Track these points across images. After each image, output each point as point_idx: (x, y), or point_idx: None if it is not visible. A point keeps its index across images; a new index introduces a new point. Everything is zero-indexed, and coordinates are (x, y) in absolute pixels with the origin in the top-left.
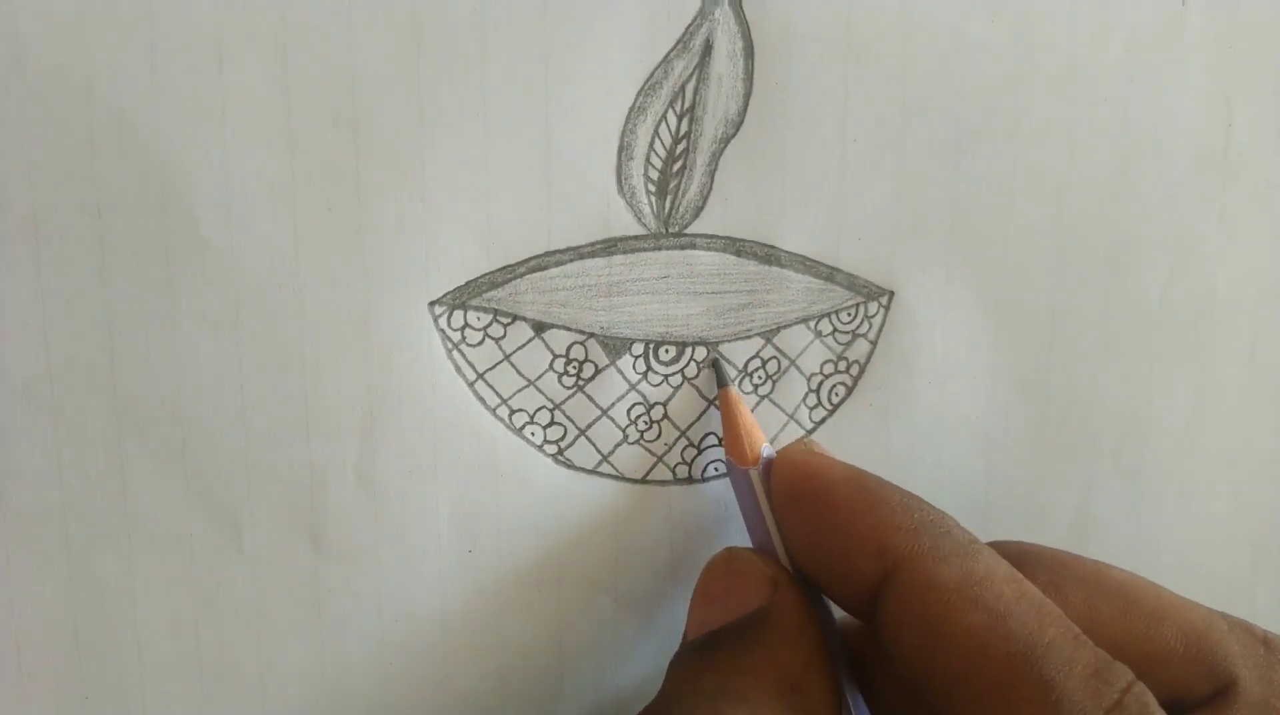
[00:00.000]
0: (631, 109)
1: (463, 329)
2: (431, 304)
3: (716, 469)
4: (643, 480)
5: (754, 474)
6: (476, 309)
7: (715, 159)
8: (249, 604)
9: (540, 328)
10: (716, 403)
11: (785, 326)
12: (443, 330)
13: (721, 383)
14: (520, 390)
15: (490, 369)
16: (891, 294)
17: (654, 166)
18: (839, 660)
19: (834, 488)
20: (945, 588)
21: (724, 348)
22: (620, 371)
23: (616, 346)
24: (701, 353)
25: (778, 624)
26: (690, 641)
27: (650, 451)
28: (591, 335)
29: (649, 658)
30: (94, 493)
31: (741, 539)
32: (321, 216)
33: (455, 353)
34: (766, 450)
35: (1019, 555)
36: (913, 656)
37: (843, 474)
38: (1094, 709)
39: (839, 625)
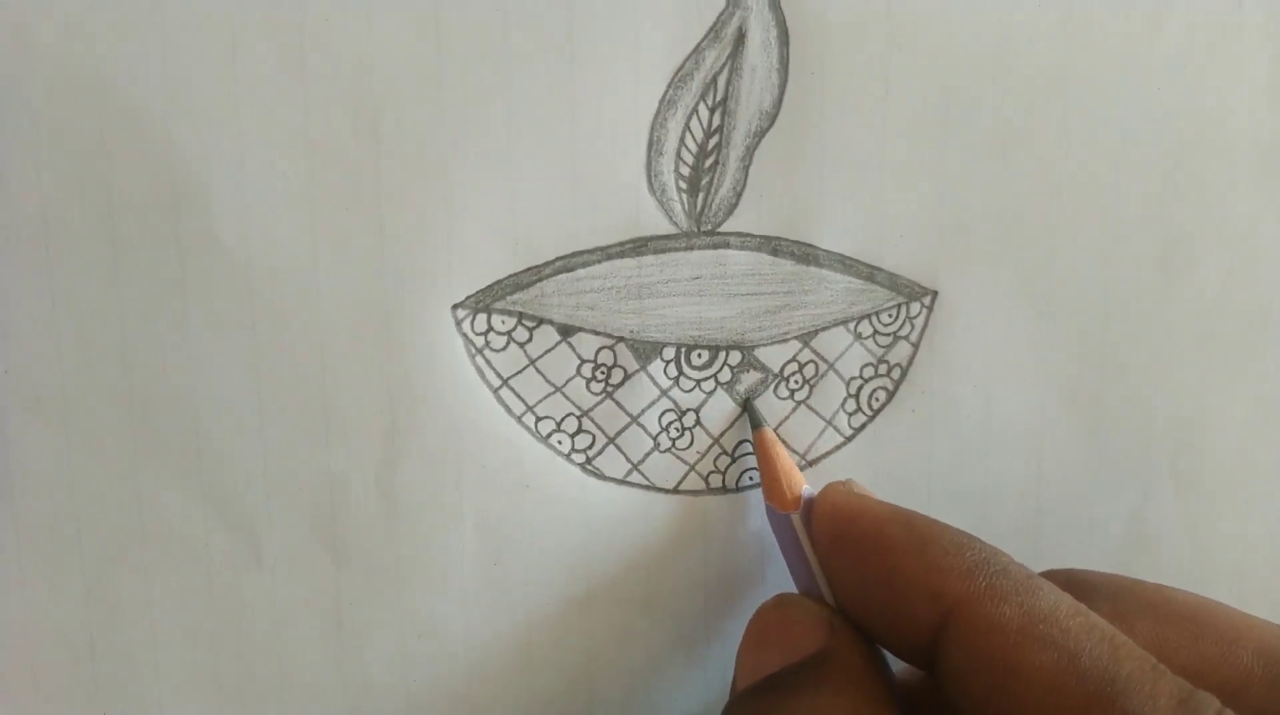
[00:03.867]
0: (661, 102)
1: (487, 333)
2: (454, 307)
3: (751, 478)
4: (674, 490)
5: (795, 518)
6: (501, 312)
7: (749, 154)
8: (267, 617)
9: (567, 331)
10: (752, 442)
11: (823, 329)
12: (466, 334)
13: (756, 425)
14: (547, 396)
15: (515, 374)
16: (935, 294)
17: (685, 162)
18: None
19: (881, 530)
20: (1009, 629)
21: (759, 352)
22: (650, 377)
23: (647, 351)
24: (736, 357)
25: (841, 666)
26: (746, 688)
27: (682, 460)
28: (621, 339)
29: (682, 675)
30: (108, 503)
31: (778, 559)
32: (340, 217)
33: (479, 358)
34: (807, 492)
35: (1077, 585)
36: (980, 703)
37: (889, 515)
38: None
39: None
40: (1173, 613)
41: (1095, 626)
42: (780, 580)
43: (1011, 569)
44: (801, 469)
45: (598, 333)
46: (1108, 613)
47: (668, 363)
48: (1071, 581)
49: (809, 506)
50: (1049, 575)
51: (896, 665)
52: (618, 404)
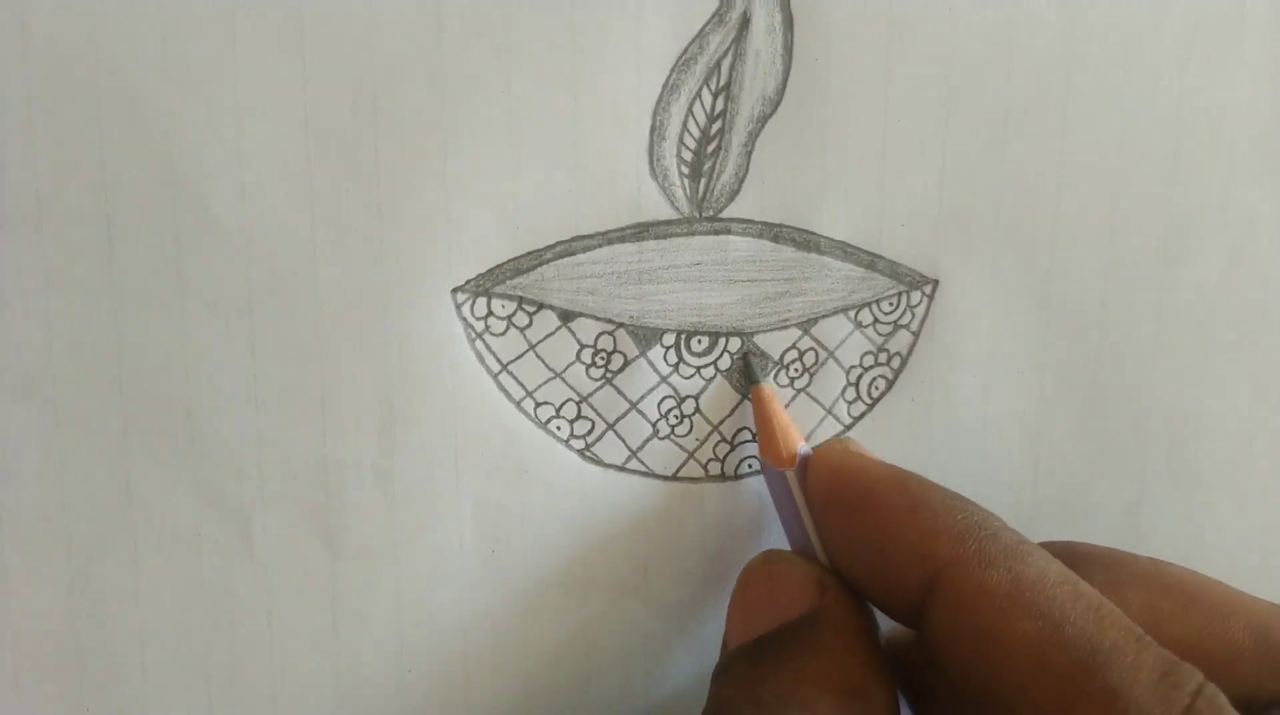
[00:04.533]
0: (664, 87)
1: (486, 317)
2: (454, 291)
3: (750, 466)
4: (673, 477)
5: (790, 475)
6: (501, 297)
7: (752, 139)
8: (260, 608)
9: (567, 316)
10: (750, 398)
11: (824, 316)
12: (465, 319)
13: (753, 379)
14: (546, 382)
15: (515, 360)
16: (935, 283)
17: (688, 147)
18: None
19: (873, 490)
20: (995, 594)
21: (759, 338)
22: (650, 363)
23: (647, 336)
24: (735, 343)
25: (832, 627)
26: (736, 649)
27: (681, 447)
28: (621, 325)
29: (680, 663)
30: (97, 491)
31: (778, 543)
32: (339, 200)
33: (478, 342)
34: (803, 450)
35: (1072, 555)
36: (965, 667)
37: (882, 474)
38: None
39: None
40: (1166, 584)
41: (1082, 595)
42: (772, 542)
43: (1002, 534)
44: None
45: (598, 318)
46: (1101, 583)
47: (668, 349)
48: (1068, 552)
49: (804, 464)
50: (1046, 546)
51: (887, 624)
52: (617, 390)
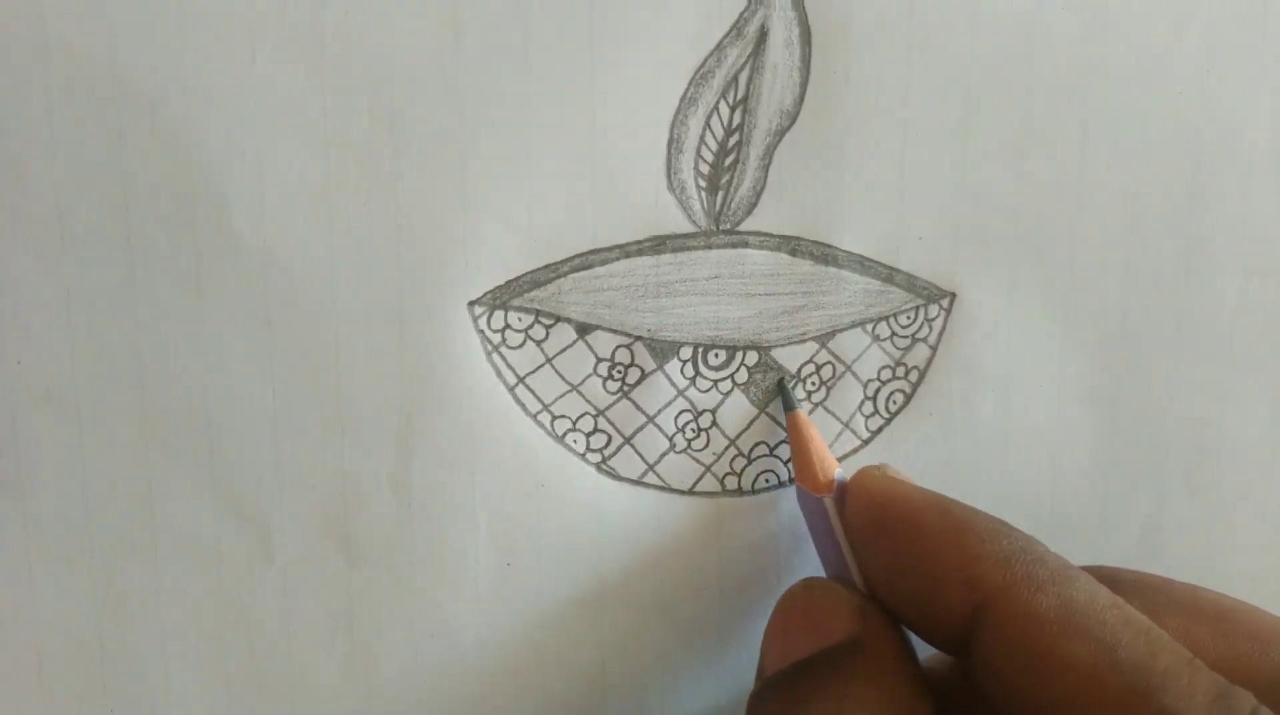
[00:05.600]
0: (682, 100)
1: (503, 330)
2: (471, 304)
3: (767, 480)
4: (690, 491)
5: (828, 502)
6: (518, 309)
7: (769, 153)
8: (278, 616)
9: (584, 329)
10: (783, 424)
11: (841, 330)
12: (482, 331)
13: (789, 407)
14: (563, 395)
15: (531, 372)
16: (953, 296)
17: (705, 160)
18: None
19: (915, 516)
20: (1045, 618)
21: (777, 352)
22: (667, 376)
23: (664, 350)
24: (753, 357)
25: (875, 653)
26: (774, 675)
27: (698, 461)
28: (638, 338)
29: (696, 677)
30: (119, 500)
31: (796, 557)
32: (357, 212)
33: (495, 355)
34: (839, 475)
35: (1107, 580)
36: (1014, 693)
37: (924, 500)
38: None
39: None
40: (1202, 611)
41: (1132, 620)
42: (798, 576)
43: (1048, 558)
44: None
45: (615, 331)
46: (1138, 608)
47: (685, 362)
48: (1103, 578)
49: (841, 490)
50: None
51: (924, 651)
52: (634, 404)
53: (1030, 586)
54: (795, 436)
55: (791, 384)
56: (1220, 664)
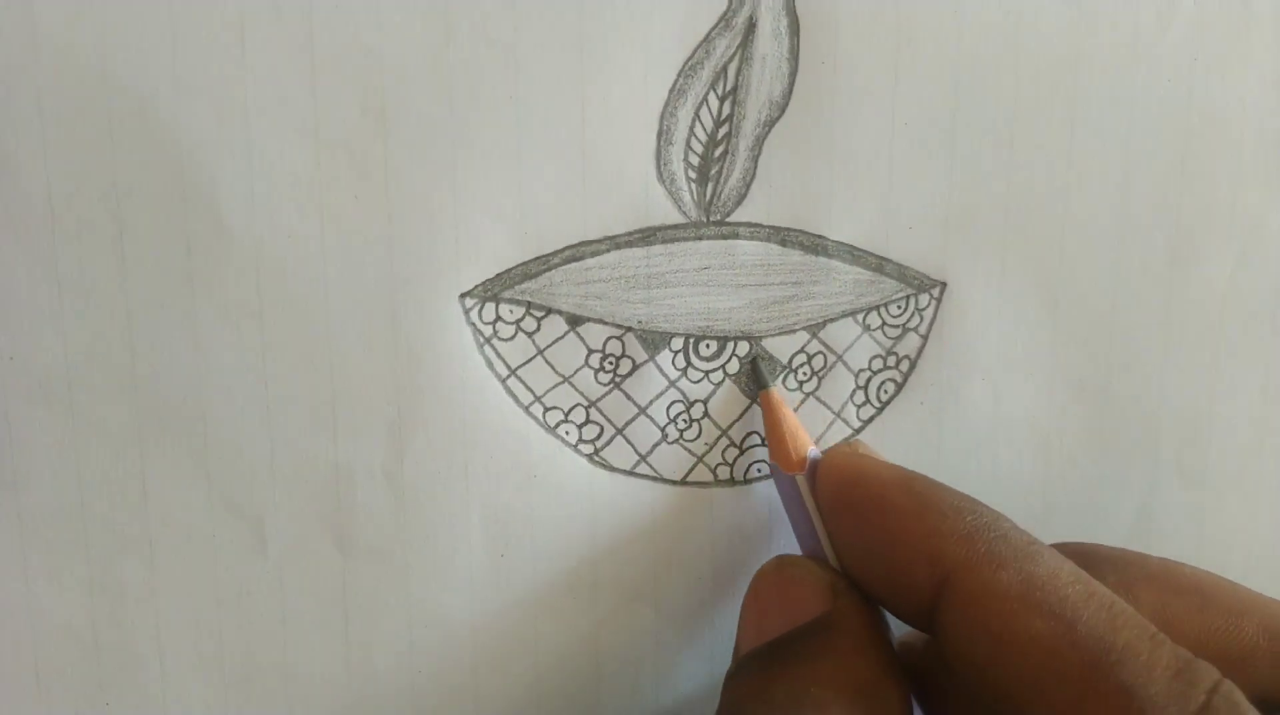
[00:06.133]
0: (671, 91)
1: (495, 322)
2: (462, 296)
3: (759, 470)
4: (682, 481)
5: (800, 479)
6: (509, 301)
7: (759, 144)
8: (273, 607)
9: (575, 321)
10: (758, 403)
11: (832, 320)
12: (474, 324)
13: (762, 384)
14: (554, 387)
15: (523, 364)
16: (944, 286)
17: (695, 152)
18: None
19: (882, 492)
20: (1006, 595)
21: (768, 342)
22: (659, 367)
23: (655, 341)
24: (744, 347)
25: (846, 630)
26: (748, 653)
27: (690, 452)
28: (629, 329)
29: (690, 668)
30: (113, 493)
31: (788, 547)
32: (348, 206)
33: (487, 347)
34: (813, 453)
35: (1084, 556)
36: (977, 669)
37: (891, 477)
38: (1180, 713)
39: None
40: (1178, 584)
41: (1094, 594)
42: (782, 547)
43: (1012, 535)
44: None
45: (606, 323)
46: (1113, 583)
47: (676, 353)
48: (1080, 553)
49: (814, 468)
50: (1058, 547)
51: (900, 628)
52: (626, 395)
53: (992, 563)
54: (768, 414)
55: (782, 374)
56: (1194, 636)
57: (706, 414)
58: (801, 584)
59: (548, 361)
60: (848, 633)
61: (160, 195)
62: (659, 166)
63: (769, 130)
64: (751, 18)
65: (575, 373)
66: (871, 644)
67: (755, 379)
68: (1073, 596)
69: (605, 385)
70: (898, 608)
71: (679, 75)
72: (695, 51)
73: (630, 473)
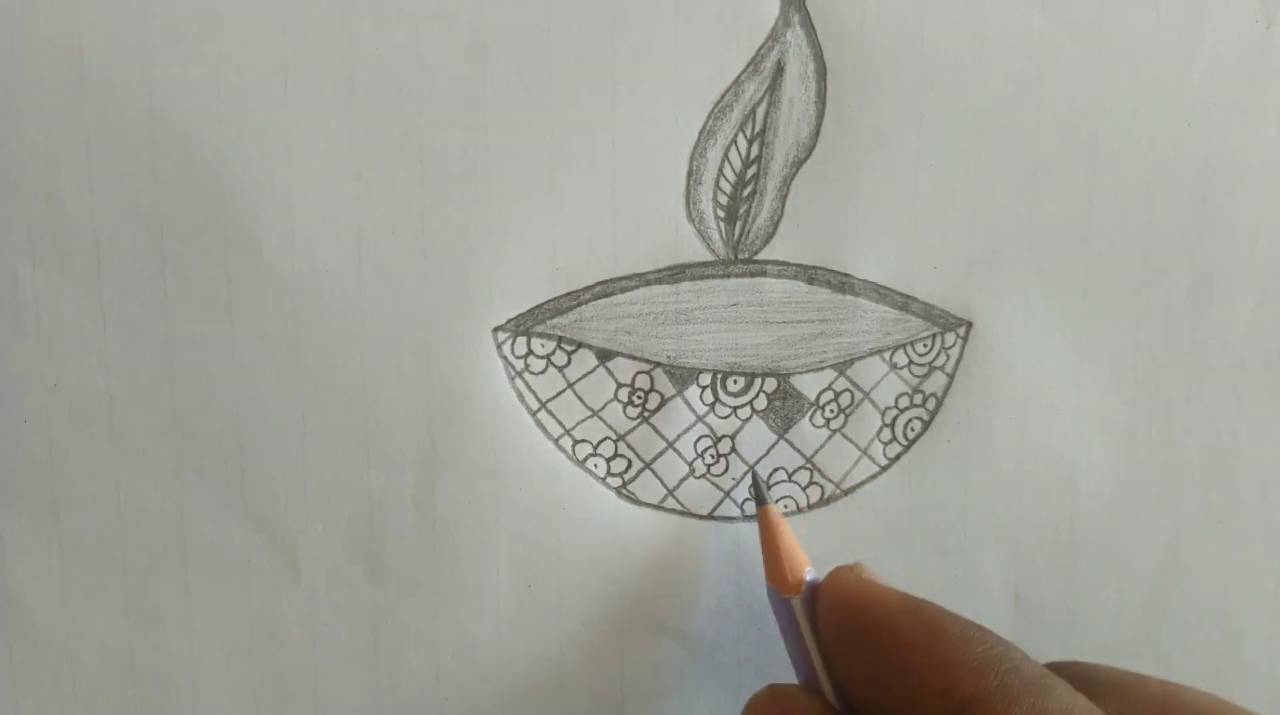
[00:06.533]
0: (701, 133)
1: (526, 356)
2: (495, 330)
3: (785, 506)
4: (709, 516)
5: (796, 603)
6: (540, 336)
7: (786, 184)
8: (305, 634)
9: (605, 356)
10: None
11: (859, 358)
12: (506, 357)
13: (760, 501)
14: (584, 420)
15: (553, 398)
16: (969, 325)
17: (723, 192)
18: None
19: (889, 620)
20: None
21: (795, 380)
22: (687, 402)
23: (683, 376)
24: (771, 384)
25: None
26: None
27: (717, 486)
28: (658, 364)
29: (714, 701)
30: (151, 519)
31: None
32: (385, 241)
33: (518, 381)
34: (810, 576)
35: (1083, 681)
36: None
37: (897, 604)
38: None
39: None
40: (1177, 712)
41: None
42: None
43: (1024, 667)
44: (835, 499)
45: (635, 358)
46: (1114, 712)
47: (704, 389)
48: (1077, 676)
49: (812, 591)
50: (1054, 668)
51: None
52: (654, 429)
53: (1006, 698)
54: (765, 532)
55: (810, 412)
56: None
57: (734, 449)
58: None
59: (577, 395)
60: None
61: (202, 230)
62: (688, 206)
63: (796, 171)
64: (780, 62)
65: (604, 407)
66: None
67: (754, 495)
68: None
69: (634, 419)
70: None
71: (709, 117)
72: (725, 94)
73: (658, 507)
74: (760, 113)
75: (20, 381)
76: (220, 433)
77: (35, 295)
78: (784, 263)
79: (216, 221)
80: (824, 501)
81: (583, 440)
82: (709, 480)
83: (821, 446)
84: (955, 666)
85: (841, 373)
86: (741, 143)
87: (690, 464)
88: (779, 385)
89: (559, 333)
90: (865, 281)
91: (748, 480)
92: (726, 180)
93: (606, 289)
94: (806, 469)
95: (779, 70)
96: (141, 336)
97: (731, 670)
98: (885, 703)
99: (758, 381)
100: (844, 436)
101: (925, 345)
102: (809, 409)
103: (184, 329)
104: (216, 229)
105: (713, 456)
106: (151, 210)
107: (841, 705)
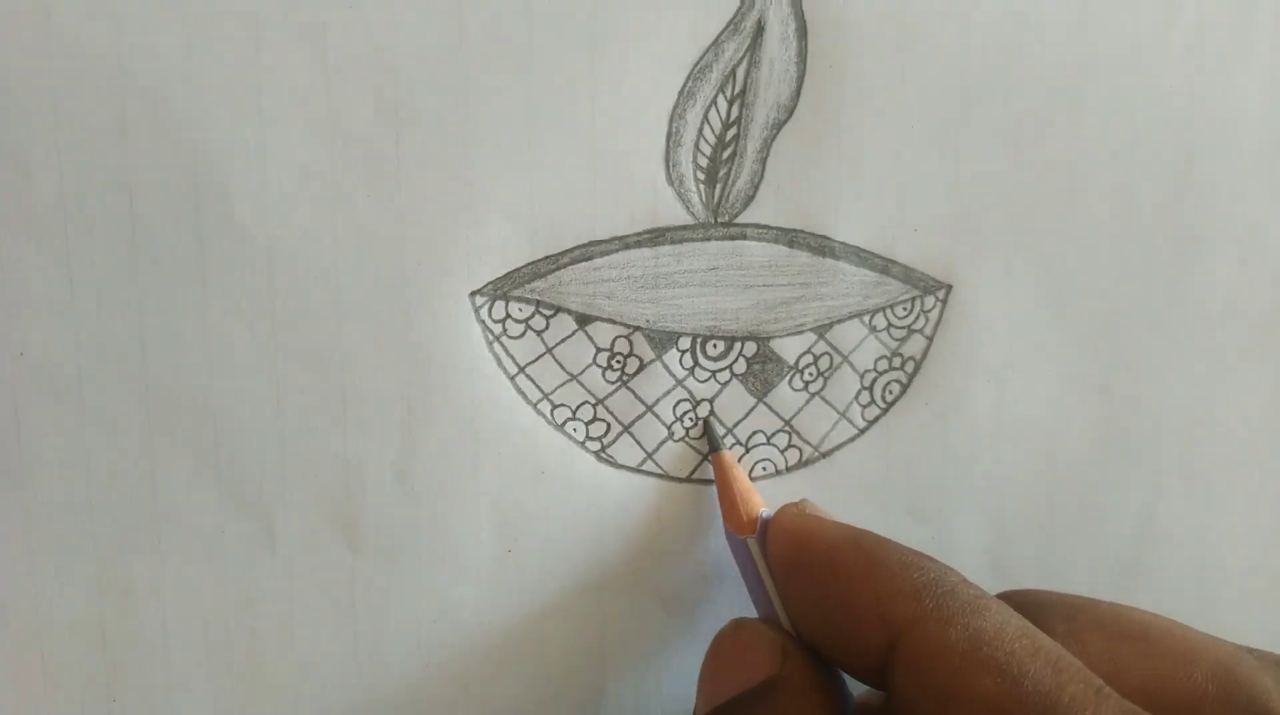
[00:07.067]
0: (680, 94)
1: (504, 321)
2: (473, 294)
3: (764, 468)
4: (688, 479)
5: (751, 542)
6: (519, 300)
7: (767, 146)
8: (282, 604)
9: (584, 320)
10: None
11: (838, 321)
12: (484, 322)
13: (714, 447)
14: (563, 385)
15: (532, 362)
16: (949, 288)
17: (703, 154)
18: None
19: (831, 553)
20: (954, 652)
21: (774, 343)
22: (666, 366)
23: (662, 340)
24: (751, 348)
25: (789, 691)
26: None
27: (695, 450)
28: (637, 328)
29: (695, 662)
30: (122, 489)
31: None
32: (360, 204)
33: (496, 345)
34: (764, 515)
35: (1033, 605)
36: None
37: (839, 536)
38: None
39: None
40: (1126, 631)
41: (1041, 649)
42: None
43: (959, 590)
44: (813, 461)
45: (614, 322)
46: (1063, 632)
47: (683, 353)
48: (1027, 602)
49: (765, 530)
50: (1007, 595)
51: (859, 687)
52: (633, 393)
53: (940, 619)
54: (720, 476)
55: (789, 375)
56: (1143, 683)
57: (713, 413)
58: (754, 647)
59: (556, 359)
60: (794, 695)
61: (173, 192)
62: (668, 168)
63: (777, 132)
64: (760, 21)
65: (583, 371)
66: (820, 705)
67: (707, 441)
68: (1019, 651)
69: (613, 383)
70: (852, 668)
71: (688, 78)
72: (704, 54)
73: (637, 470)
74: (740, 73)
75: None
76: (192, 400)
77: (0, 260)
78: (764, 226)
79: (187, 184)
80: (802, 464)
81: (562, 404)
82: (687, 443)
83: (800, 410)
84: (893, 593)
85: (821, 336)
86: (721, 104)
87: (669, 427)
88: (759, 349)
89: (537, 297)
90: (845, 244)
91: (726, 443)
92: (706, 142)
93: (585, 253)
94: (785, 432)
95: (759, 30)
96: (110, 302)
97: (711, 630)
98: (831, 632)
99: (737, 345)
100: (823, 399)
101: (905, 308)
102: (788, 372)
103: (154, 294)
104: (187, 191)
105: (691, 420)
106: (120, 172)
107: (799, 638)
